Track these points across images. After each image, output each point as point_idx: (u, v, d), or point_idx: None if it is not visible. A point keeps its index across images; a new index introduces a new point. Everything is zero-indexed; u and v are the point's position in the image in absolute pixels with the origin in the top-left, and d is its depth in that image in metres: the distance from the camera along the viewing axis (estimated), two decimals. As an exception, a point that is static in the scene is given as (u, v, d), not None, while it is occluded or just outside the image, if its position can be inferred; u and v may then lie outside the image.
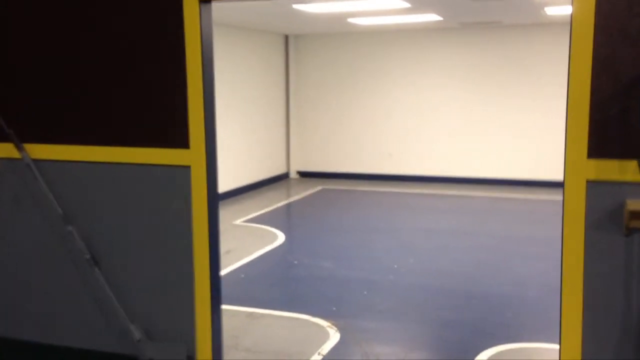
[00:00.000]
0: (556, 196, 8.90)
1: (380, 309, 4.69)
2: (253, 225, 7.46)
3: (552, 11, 7.85)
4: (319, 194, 9.72)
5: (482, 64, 9.98)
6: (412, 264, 5.84)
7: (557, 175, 9.66)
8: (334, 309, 4.68)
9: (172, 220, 3.47)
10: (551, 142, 9.64)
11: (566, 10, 7.66)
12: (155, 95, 3.41)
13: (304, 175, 11.32)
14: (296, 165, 11.36)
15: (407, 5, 6.99)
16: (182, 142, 3.40)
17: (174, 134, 3.41)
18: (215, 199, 3.53)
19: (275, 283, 5.44)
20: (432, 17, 8.33)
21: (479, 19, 8.66)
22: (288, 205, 8.93)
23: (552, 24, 9.38)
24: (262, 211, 8.31)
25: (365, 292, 5.07)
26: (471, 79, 10.07)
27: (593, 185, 2.82)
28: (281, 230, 7.23)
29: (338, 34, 10.75)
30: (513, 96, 9.85)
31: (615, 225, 2.80)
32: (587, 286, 2.87)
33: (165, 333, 3.53)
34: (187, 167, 3.42)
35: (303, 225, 7.65)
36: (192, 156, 3.41)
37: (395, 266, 5.77)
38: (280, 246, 6.55)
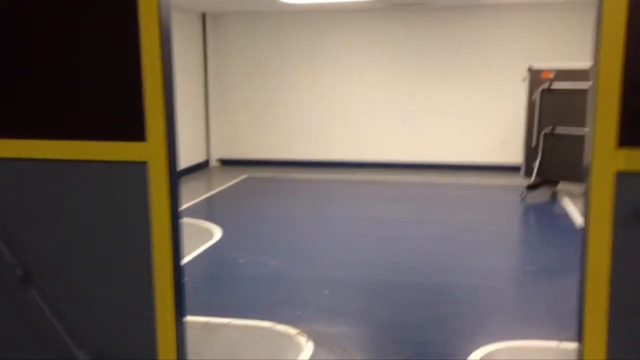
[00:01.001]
0: (496, 180, 8.93)
1: (347, 311, 4.31)
2: (182, 220, 6.85)
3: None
4: (244, 183, 9.19)
5: (415, 46, 9.77)
6: (368, 257, 5.50)
7: (498, 158, 9.76)
8: (299, 313, 4.24)
9: (126, 225, 2.89)
10: (487, 124, 9.63)
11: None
12: (100, 75, 2.80)
13: (226, 163, 10.72)
14: (217, 153, 10.72)
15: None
16: (136, 133, 2.83)
17: (126, 123, 2.82)
18: (177, 200, 2.99)
19: (224, 286, 4.91)
20: (365, -4, 7.99)
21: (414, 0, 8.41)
22: (215, 196, 8.34)
23: (488, 5, 9.31)
24: (188, 204, 7.69)
25: (326, 292, 4.67)
26: (403, 62, 9.84)
27: (623, 177, 2.56)
28: (215, 224, 6.67)
29: (262, 13, 10.18)
30: (449, 79, 9.73)
31: (646, 220, 2.56)
32: (613, 286, 2.63)
33: (121, 356, 2.96)
34: (143, 163, 2.85)
35: (238, 217, 7.12)
36: (149, 150, 2.84)
37: (351, 260, 5.41)
38: (219, 243, 6.00)
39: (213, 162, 10.72)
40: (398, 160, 10.02)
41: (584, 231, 2.69)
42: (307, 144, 10.39)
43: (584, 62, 8.80)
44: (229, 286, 4.89)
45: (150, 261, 2.89)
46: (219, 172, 10.08)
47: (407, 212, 7.26)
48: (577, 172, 7.62)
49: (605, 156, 2.56)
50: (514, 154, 9.52)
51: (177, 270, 3.00)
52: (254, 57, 10.35)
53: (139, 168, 2.85)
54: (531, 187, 7.92)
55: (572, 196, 7.81)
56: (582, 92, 7.46)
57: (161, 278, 2.92)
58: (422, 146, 9.94)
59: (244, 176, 9.67)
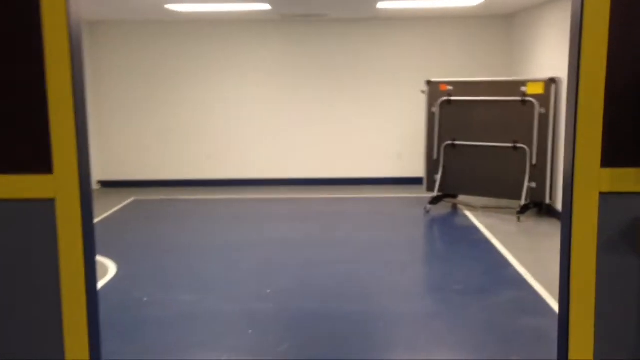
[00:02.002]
0: (396, 193, 8.79)
1: (281, 352, 3.87)
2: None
3: (383, 5, 7.62)
4: (132, 207, 8.43)
5: (309, 59, 9.51)
6: (286, 286, 5.08)
7: (396, 171, 9.67)
8: (225, 360, 3.75)
9: (29, 275, 2.31)
10: (383, 138, 9.56)
11: (396, 4, 7.49)
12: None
13: (107, 185, 9.85)
14: (97, 174, 9.82)
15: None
16: (41, 164, 2.26)
17: (28, 152, 2.25)
18: (92, 243, 2.44)
19: (132, 332, 4.28)
20: (261, 7, 7.59)
21: (309, 11, 8.13)
22: (101, 223, 7.54)
23: (383, 19, 9.25)
24: (72, 233, 6.84)
25: (250, 331, 4.20)
26: (298, 76, 9.54)
27: (607, 199, 2.37)
28: (107, 256, 5.96)
29: (147, 22, 9.47)
30: (345, 93, 9.55)
31: (632, 244, 2.39)
32: (598, 314, 2.43)
33: None
34: (50, 201, 2.29)
35: (132, 247, 6.42)
36: (57, 184, 2.29)
37: (268, 291, 4.97)
38: (115, 280, 5.32)
39: (93, 185, 9.79)
40: (294, 177, 9.70)
41: (564, 255, 2.48)
42: (197, 162, 9.78)
43: (481, 76, 9.00)
44: (134, 332, 4.26)
45: (60, 316, 2.33)
46: (101, 196, 9.21)
47: (313, 232, 6.93)
48: (477, 185, 7.70)
49: (588, 177, 2.37)
50: (412, 167, 9.54)
51: (94, 327, 2.44)
52: (139, 69, 9.61)
53: (45, 206, 2.29)
54: (434, 201, 7.91)
55: (471, 209, 7.88)
56: (481, 104, 7.56)
57: (73, 334, 2.36)
58: (318, 162, 9.69)
59: (131, 199, 8.90)
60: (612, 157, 2.34)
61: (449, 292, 4.88)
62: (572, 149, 2.38)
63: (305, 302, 4.71)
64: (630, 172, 2.33)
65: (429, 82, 7.90)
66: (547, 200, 7.25)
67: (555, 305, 4.56)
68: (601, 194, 2.36)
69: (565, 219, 2.45)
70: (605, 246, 2.39)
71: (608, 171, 2.35)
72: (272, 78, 9.56)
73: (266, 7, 7.59)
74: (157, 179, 9.79)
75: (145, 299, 4.83)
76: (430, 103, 7.89)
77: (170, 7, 7.42)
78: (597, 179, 2.36)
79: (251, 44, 9.50)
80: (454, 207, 8.00)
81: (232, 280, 5.28)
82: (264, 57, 9.53)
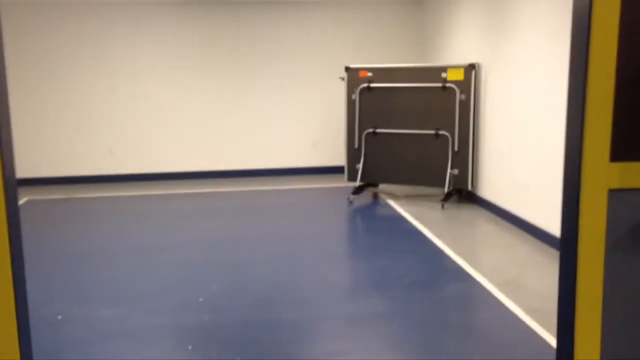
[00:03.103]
0: (316, 183, 8.46)
1: (228, 371, 3.47)
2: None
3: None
4: (26, 208, 7.60)
5: (219, 46, 8.97)
6: (218, 293, 4.65)
7: (312, 161, 9.31)
8: (168, 386, 3.29)
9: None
10: (299, 127, 9.23)
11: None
12: None
13: (-6, 183, 8.83)
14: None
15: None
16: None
17: None
18: (20, 254, 1.97)
19: (51, 358, 3.69)
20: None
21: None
22: (-9, 229, 6.67)
23: (294, 2, 8.87)
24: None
25: (190, 347, 3.76)
26: (207, 63, 8.99)
27: (617, 196, 2.19)
28: (6, 268, 5.23)
29: (50, 4, 8.52)
30: (257, 80, 9.11)
31: None
32: (606, 316, 2.26)
33: None
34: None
35: (36, 256, 5.69)
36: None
37: (201, 299, 4.52)
38: (19, 295, 4.64)
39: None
40: (207, 170, 9.18)
41: (566, 254, 2.28)
42: (97, 157, 9.00)
43: (397, 63, 8.89)
44: (58, 356, 3.69)
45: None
46: (-13, 197, 8.21)
47: (234, 228, 6.51)
48: (400, 174, 7.58)
49: (596, 172, 2.17)
50: (328, 156, 9.30)
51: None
52: (28, 56, 8.65)
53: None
54: (356, 191, 7.71)
55: (394, 198, 7.76)
56: (402, 91, 7.42)
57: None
58: (232, 153, 9.22)
59: (24, 199, 8.02)
60: (622, 150, 2.15)
61: (394, 288, 4.66)
62: (579, 141, 2.18)
63: (243, 311, 4.32)
64: (645, 166, 2.16)
65: (347, 69, 7.65)
66: (470, 187, 7.26)
67: (501, 297, 4.46)
68: (610, 190, 2.18)
69: (569, 216, 2.24)
70: (615, 247, 2.21)
71: (618, 165, 2.16)
72: (180, 65, 8.94)
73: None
74: (51, 176, 8.91)
75: (59, 317, 4.23)
76: (350, 90, 7.66)
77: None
78: (606, 174, 2.17)
79: (155, 29, 8.83)
80: (375, 197, 7.85)
81: (156, 288, 4.77)
82: (169, 43, 8.89)
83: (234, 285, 4.80)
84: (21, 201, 7.94)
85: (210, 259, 5.46)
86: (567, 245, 2.26)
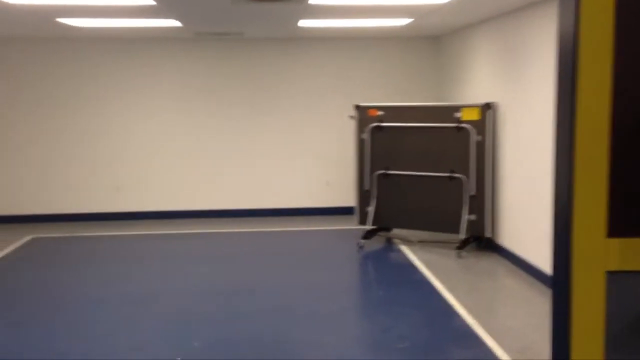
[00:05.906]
0: (326, 225, 7.99)
1: None
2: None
3: (304, 23, 7.01)
4: (31, 246, 7.39)
5: (226, 82, 8.76)
6: (199, 351, 4.27)
7: (324, 201, 8.94)
8: None
9: None
10: (310, 166, 8.90)
11: (319, 23, 6.89)
12: None
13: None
14: (-12, 209, 8.67)
15: (153, 3, 5.39)
16: None
17: None
18: None
19: None
20: (170, 23, 6.81)
21: (226, 29, 7.40)
22: (-14, 271, 6.47)
23: (307, 39, 8.64)
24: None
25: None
26: (215, 99, 8.77)
27: (617, 279, 1.77)
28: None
29: (40, 39, 8.46)
30: (263, 117, 8.84)
31: (644, 337, 1.80)
32: None
33: None
34: None
35: (21, 301, 5.42)
36: None
37: (179, 359, 4.16)
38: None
39: (-17, 222, 8.64)
40: (213, 209, 8.88)
41: (558, 343, 1.86)
42: (104, 194, 8.80)
43: (410, 101, 8.55)
44: None
45: None
46: (-9, 234, 8.08)
47: (233, 275, 6.15)
48: (413, 218, 7.16)
49: (591, 251, 1.76)
50: (340, 196, 8.93)
51: None
52: (31, 91, 8.57)
53: None
54: (367, 235, 7.29)
55: (408, 243, 7.31)
56: (414, 131, 7.04)
57: None
58: (237, 192, 8.92)
59: (29, 237, 7.83)
60: (621, 223, 1.74)
61: (392, 353, 4.22)
62: (567, 211, 1.77)
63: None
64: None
65: (357, 107, 7.32)
66: (489, 234, 6.77)
67: (510, 365, 3.98)
68: (609, 272, 1.76)
69: (559, 299, 1.83)
70: (616, 341, 1.78)
71: (616, 242, 1.74)
72: (186, 102, 8.75)
73: (176, 24, 6.82)
74: (60, 212, 8.74)
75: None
76: (360, 129, 7.31)
77: (63, 21, 6.51)
78: (602, 253, 1.75)
79: (163, 64, 8.67)
80: (389, 241, 7.42)
81: (131, 346, 4.42)
82: (178, 79, 8.71)
83: (217, 344, 4.42)
84: (25, 239, 7.75)
85: (199, 311, 5.10)
86: (559, 343, 1.83)
